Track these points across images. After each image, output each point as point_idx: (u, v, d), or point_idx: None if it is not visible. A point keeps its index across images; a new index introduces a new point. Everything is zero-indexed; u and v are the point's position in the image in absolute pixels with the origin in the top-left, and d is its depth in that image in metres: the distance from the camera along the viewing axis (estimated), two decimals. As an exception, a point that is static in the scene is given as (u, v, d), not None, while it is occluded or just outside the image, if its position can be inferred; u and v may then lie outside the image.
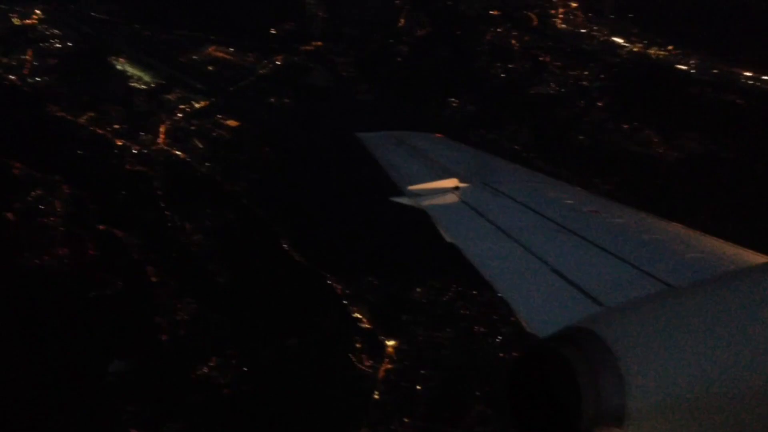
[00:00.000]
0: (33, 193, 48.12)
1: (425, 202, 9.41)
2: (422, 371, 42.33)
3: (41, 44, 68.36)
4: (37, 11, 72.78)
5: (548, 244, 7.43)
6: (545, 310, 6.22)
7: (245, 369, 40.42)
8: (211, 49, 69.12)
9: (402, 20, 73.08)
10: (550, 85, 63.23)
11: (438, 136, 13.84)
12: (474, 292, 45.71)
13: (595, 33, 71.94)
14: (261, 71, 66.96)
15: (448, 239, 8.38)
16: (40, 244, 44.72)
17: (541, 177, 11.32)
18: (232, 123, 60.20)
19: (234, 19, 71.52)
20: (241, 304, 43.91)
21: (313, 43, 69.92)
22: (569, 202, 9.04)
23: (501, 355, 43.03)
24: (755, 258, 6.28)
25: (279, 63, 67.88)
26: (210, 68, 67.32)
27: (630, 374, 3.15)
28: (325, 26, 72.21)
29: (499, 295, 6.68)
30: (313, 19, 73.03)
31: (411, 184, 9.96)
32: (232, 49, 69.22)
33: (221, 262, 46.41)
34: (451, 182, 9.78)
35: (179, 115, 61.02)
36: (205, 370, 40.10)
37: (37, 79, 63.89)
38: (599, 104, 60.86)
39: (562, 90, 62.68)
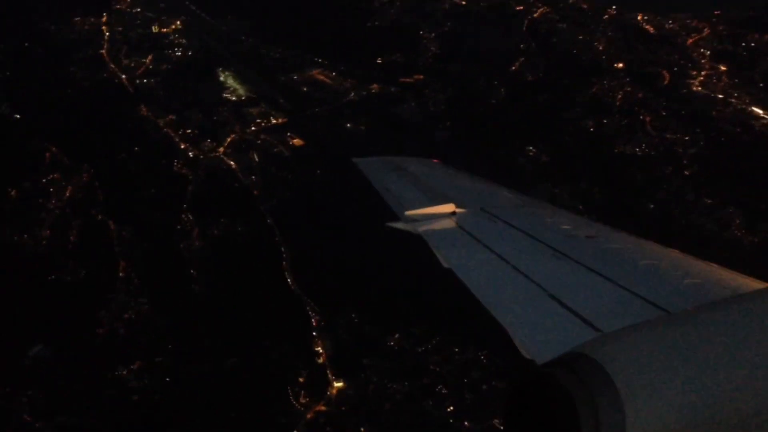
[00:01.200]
0: (50, 176, 50.02)
1: (422, 228, 9.31)
2: (355, 422, 38.56)
3: (165, 51, 72.31)
4: (178, 22, 77.26)
5: (545, 269, 7.33)
6: (542, 335, 6.13)
7: (167, 379, 38.91)
8: (315, 72, 69.49)
9: (517, 65, 69.32)
10: (640, 146, 56.64)
11: (435, 161, 13.56)
12: (456, 348, 41.53)
13: (732, 100, 64.25)
14: (351, 97, 66.11)
15: (445, 265, 8.22)
16: (27, 224, 46.10)
17: (538, 203, 10.97)
18: (297, 142, 59.77)
19: (348, 45, 71.65)
20: (203, 315, 42.61)
21: (414, 77, 68.25)
22: (566, 227, 8.84)
23: (450, 421, 38.35)
24: (752, 284, 6.10)
25: (373, 91, 66.72)
26: (304, 89, 67.50)
27: (629, 401, 3.11)
28: (432, 62, 70.28)
29: (498, 320, 6.47)
30: (422, 54, 71.38)
31: (407, 210, 9.89)
32: (334, 74, 69.14)
33: (207, 271, 45.45)
34: (447, 207, 9.68)
35: (252, 128, 61.50)
36: (124, 372, 39.04)
37: (144, 81, 67.34)
38: (686, 173, 53.51)
39: (651, 153, 55.92)
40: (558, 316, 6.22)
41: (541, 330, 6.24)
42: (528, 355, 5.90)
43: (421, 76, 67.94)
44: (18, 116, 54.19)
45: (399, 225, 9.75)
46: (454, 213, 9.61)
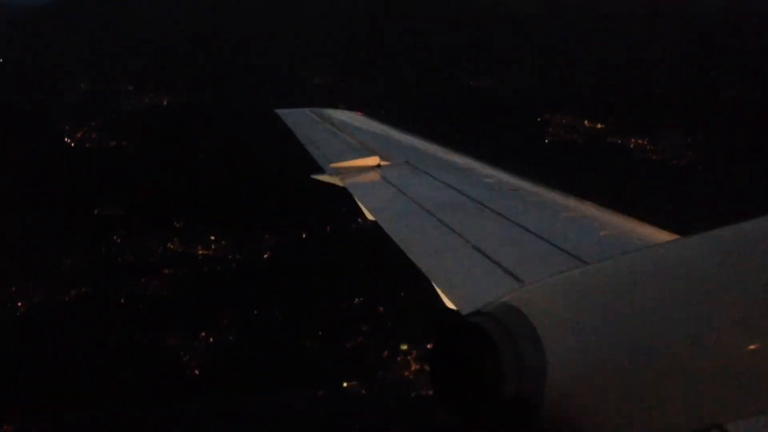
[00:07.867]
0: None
1: (347, 180, 9.42)
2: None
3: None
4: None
5: (469, 222, 7.48)
6: (466, 286, 6.24)
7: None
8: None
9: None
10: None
11: (359, 113, 13.71)
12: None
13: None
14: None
15: (370, 217, 8.41)
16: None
17: (461, 157, 10.82)
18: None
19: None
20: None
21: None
22: (489, 181, 9.10)
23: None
24: (664, 236, 6.41)
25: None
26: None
27: (551, 347, 3.17)
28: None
29: (423, 272, 6.52)
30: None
31: (332, 162, 10.03)
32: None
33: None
34: (372, 160, 9.81)
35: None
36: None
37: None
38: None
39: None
40: (481, 267, 6.17)
41: (465, 281, 6.22)
42: (453, 306, 5.85)
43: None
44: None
45: (324, 177, 9.65)
46: (379, 166, 9.56)
